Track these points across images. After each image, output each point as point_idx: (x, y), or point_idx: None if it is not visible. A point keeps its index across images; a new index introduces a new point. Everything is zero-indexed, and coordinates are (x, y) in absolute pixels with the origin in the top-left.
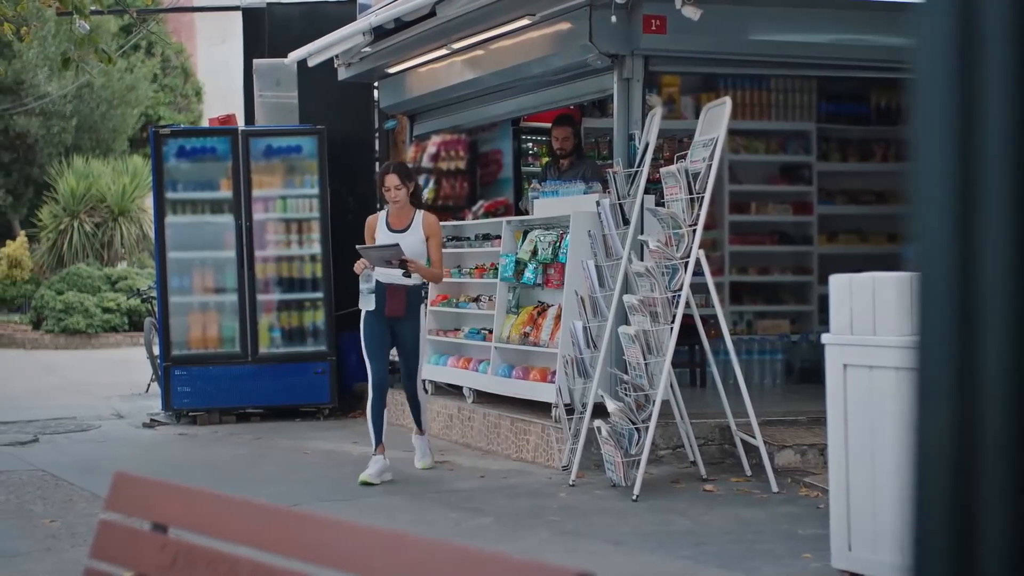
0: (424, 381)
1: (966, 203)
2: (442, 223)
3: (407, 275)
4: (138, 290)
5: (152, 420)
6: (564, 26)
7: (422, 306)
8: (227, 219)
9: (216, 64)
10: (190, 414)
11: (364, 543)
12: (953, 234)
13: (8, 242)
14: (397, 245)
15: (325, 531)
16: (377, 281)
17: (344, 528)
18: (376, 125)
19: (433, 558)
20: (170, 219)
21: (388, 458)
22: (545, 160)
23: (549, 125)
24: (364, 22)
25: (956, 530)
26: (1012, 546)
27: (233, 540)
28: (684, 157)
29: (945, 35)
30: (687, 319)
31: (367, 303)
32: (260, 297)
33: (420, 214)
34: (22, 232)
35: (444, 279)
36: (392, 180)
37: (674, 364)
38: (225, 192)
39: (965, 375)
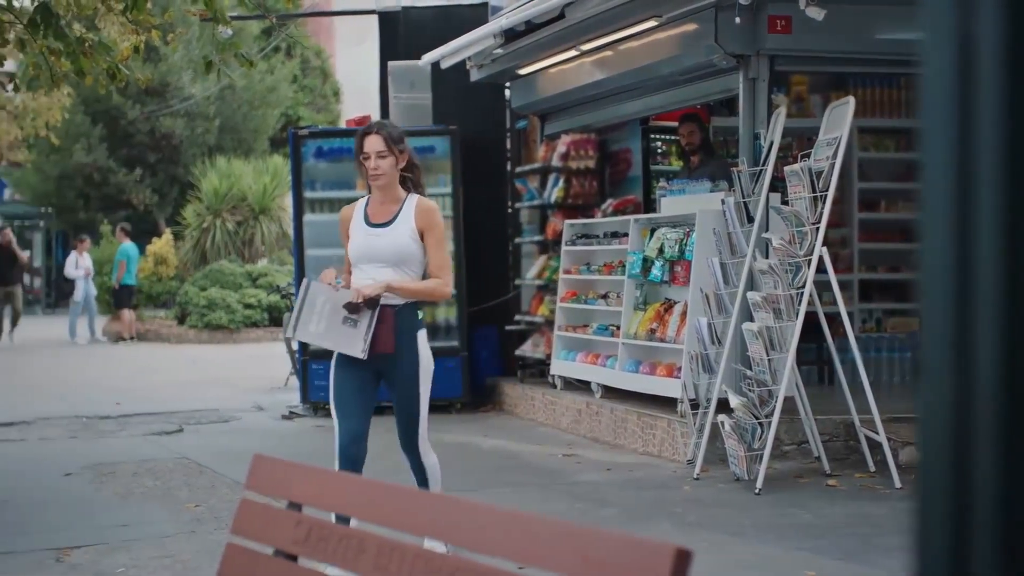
0: (425, 437)
1: (964, 198)
2: (571, 221)
3: (370, 306)
4: (278, 287)
5: (291, 412)
6: (690, 27)
7: (420, 332)
8: None
9: (354, 65)
10: (327, 407)
11: (476, 519)
12: (953, 225)
13: (154, 240)
14: (340, 289)
15: (443, 509)
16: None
17: (461, 505)
18: (508, 125)
19: (539, 532)
20: (308, 217)
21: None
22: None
23: (677, 124)
24: (495, 25)
25: (953, 491)
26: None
27: (361, 517)
28: (808, 156)
29: (946, 35)
30: (811, 316)
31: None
32: None
33: (412, 200)
34: (167, 230)
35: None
36: (373, 143)
37: (801, 362)
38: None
39: (961, 355)
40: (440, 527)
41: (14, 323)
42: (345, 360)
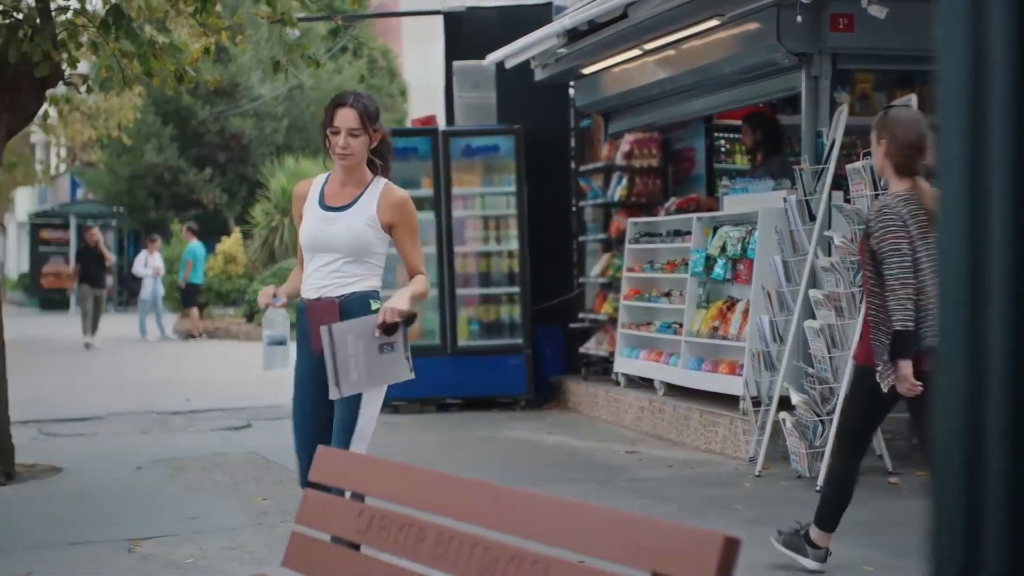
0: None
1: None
2: (634, 219)
3: (396, 328)
4: None
5: None
6: (752, 26)
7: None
8: (428, 216)
9: (421, 65)
10: (393, 403)
11: (533, 509)
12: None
13: (223, 239)
14: (372, 318)
15: (501, 499)
16: (300, 297)
17: (517, 496)
18: (571, 124)
19: (591, 521)
20: None
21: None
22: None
23: (741, 122)
24: (558, 24)
25: (966, 474)
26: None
27: (421, 507)
28: (870, 154)
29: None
30: None
31: (273, 360)
32: (459, 291)
33: (378, 186)
34: (236, 229)
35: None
36: (347, 118)
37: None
38: (426, 190)
39: (976, 346)
40: (496, 516)
41: (94, 327)
42: (305, 376)
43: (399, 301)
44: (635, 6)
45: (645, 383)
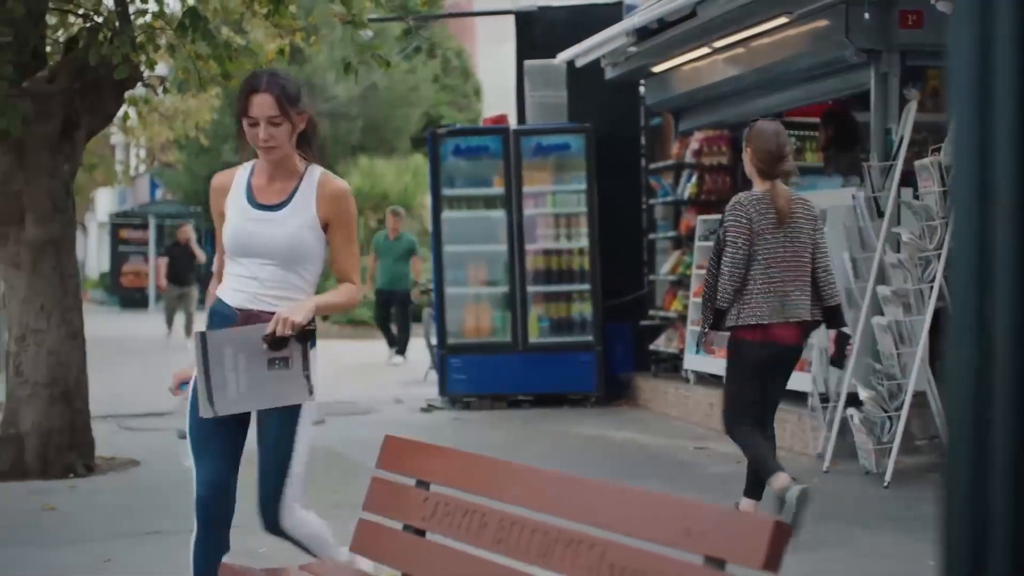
0: (296, 497)
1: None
2: (703, 217)
3: (282, 343)
4: (416, 283)
5: (429, 405)
6: (821, 23)
7: (310, 351)
8: (499, 214)
9: (495, 64)
10: (464, 400)
11: (590, 495)
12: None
13: None
14: (247, 328)
15: (559, 485)
16: (219, 301)
17: (575, 482)
18: (642, 122)
19: (645, 506)
20: (446, 214)
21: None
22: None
23: (811, 120)
24: (628, 23)
25: (974, 444)
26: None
27: (483, 494)
28: (939, 150)
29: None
30: (942, 311)
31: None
32: (530, 289)
33: (313, 177)
34: None
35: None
36: (264, 105)
37: (937, 357)
38: (498, 188)
39: (984, 324)
40: (555, 502)
41: (187, 328)
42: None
43: (296, 311)
44: (704, 4)
45: (715, 380)
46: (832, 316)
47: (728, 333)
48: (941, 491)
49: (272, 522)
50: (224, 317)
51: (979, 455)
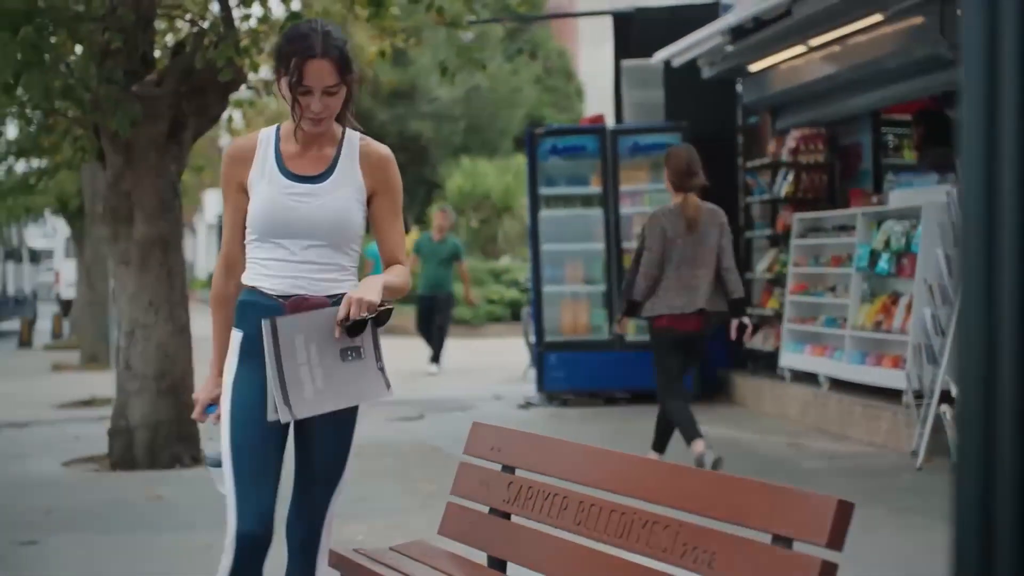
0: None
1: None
2: (800, 215)
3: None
4: (516, 281)
5: (527, 402)
6: (916, 20)
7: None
8: (596, 213)
9: (596, 65)
10: (562, 397)
11: (659, 476)
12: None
13: None
14: (314, 312)
15: (636, 468)
16: (252, 291)
17: (650, 465)
18: (739, 121)
19: (714, 487)
20: (544, 213)
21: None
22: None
23: (909, 117)
24: (723, 22)
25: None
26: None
27: (565, 478)
28: None
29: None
30: None
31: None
32: None
33: (353, 141)
34: (415, 228)
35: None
36: (323, 73)
37: None
38: (595, 187)
39: (991, 304)
40: (632, 484)
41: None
42: (254, 402)
43: (369, 290)
44: (799, 3)
45: (810, 377)
46: (735, 307)
47: (644, 321)
48: (951, 492)
49: (311, 545)
50: (264, 309)
51: (988, 457)
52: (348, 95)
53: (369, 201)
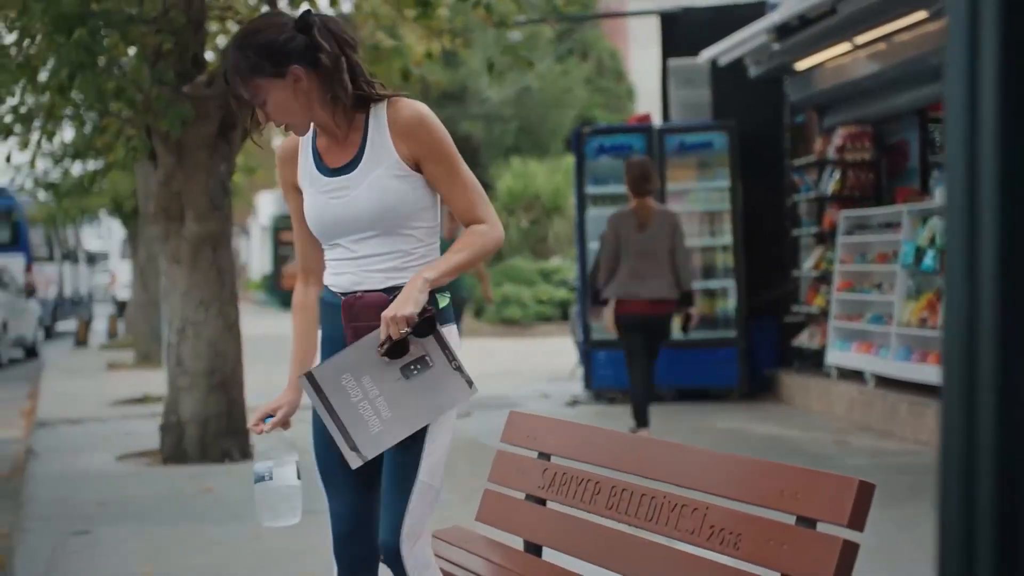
0: (419, 527)
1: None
2: (846, 212)
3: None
4: (565, 281)
5: (574, 400)
6: None
7: (450, 327)
8: None
9: (646, 65)
10: (608, 396)
11: (688, 460)
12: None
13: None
14: (355, 344)
15: (664, 453)
16: (326, 289)
17: (678, 450)
18: (786, 119)
19: (738, 470)
20: (591, 212)
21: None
22: None
23: None
24: (768, 21)
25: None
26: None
27: (598, 464)
28: None
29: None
30: None
31: (271, 507)
32: None
33: (380, 113)
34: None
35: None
36: (244, 92)
37: None
38: None
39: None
40: (662, 470)
41: None
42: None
43: (403, 303)
44: (844, 1)
45: (856, 375)
46: (684, 298)
47: (605, 308)
48: (937, 493)
49: (392, 546)
50: (330, 307)
51: (968, 496)
52: (333, 74)
53: (418, 167)
